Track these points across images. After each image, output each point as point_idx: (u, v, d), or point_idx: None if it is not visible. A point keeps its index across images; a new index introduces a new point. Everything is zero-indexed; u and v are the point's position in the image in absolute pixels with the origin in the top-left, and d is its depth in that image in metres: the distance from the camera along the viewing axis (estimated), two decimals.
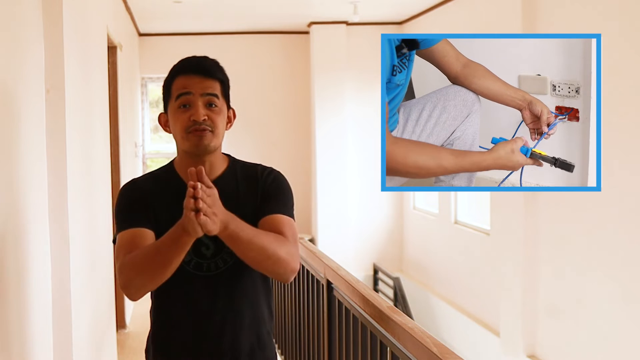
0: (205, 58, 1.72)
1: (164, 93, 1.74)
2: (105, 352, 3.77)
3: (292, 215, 1.74)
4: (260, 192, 1.73)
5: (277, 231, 1.66)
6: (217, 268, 1.70)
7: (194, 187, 1.43)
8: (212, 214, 1.45)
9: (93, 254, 3.35)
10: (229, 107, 1.74)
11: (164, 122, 1.75)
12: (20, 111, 2.13)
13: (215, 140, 1.67)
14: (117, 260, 1.62)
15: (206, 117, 1.65)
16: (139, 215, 1.65)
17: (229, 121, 1.74)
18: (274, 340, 1.89)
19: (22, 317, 2.11)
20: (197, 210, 1.42)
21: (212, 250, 1.69)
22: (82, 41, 3.20)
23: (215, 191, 1.48)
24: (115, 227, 1.70)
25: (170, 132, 1.73)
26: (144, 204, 1.67)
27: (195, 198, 1.42)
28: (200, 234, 1.46)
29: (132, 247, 1.60)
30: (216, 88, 1.69)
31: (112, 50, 4.99)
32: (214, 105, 1.67)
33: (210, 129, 1.65)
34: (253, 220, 1.67)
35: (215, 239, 1.63)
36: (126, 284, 1.57)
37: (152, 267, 1.54)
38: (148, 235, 1.64)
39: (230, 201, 1.61)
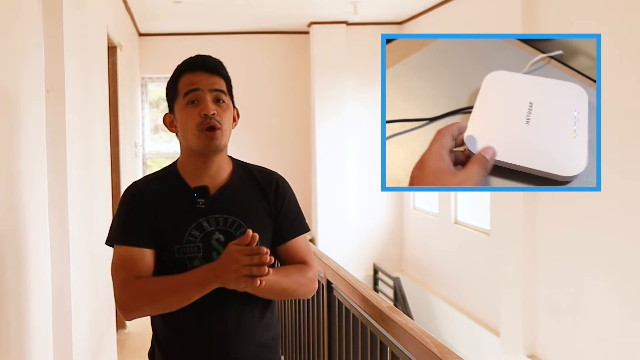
0: (210, 56, 1.73)
1: (168, 93, 1.73)
2: (105, 352, 3.77)
3: (306, 229, 1.80)
4: (273, 208, 1.74)
5: (299, 259, 1.74)
6: None
7: (261, 255, 1.49)
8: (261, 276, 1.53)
9: (93, 254, 3.35)
10: (233, 105, 1.74)
11: (169, 122, 1.73)
12: (20, 111, 2.13)
13: (223, 138, 1.67)
14: (116, 275, 1.61)
15: (215, 112, 1.65)
16: (140, 231, 1.64)
17: (234, 120, 1.74)
18: (279, 344, 1.88)
19: (22, 317, 2.10)
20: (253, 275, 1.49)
21: None
22: (82, 41, 3.20)
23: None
24: (113, 232, 1.68)
25: (175, 132, 1.72)
26: (146, 212, 1.65)
27: (260, 264, 1.49)
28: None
29: (133, 269, 1.60)
30: (222, 85, 1.70)
31: (112, 50, 4.99)
32: (221, 101, 1.68)
33: (219, 124, 1.65)
34: (262, 222, 1.69)
35: (225, 244, 1.63)
36: (129, 308, 1.59)
37: (168, 302, 1.59)
38: (149, 257, 1.63)
39: (241, 204, 1.64)
